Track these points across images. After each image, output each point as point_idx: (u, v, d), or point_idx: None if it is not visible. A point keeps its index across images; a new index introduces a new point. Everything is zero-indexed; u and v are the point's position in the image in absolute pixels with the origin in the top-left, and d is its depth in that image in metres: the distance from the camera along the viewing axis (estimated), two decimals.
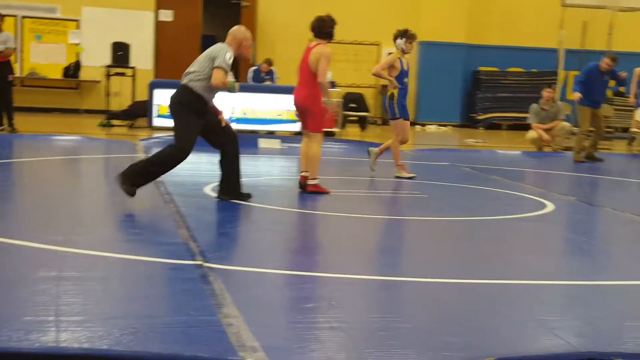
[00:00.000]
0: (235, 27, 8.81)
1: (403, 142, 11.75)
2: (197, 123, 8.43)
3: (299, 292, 5.47)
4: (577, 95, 15.32)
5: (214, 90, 8.48)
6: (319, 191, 9.71)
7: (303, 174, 9.99)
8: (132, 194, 8.22)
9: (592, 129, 15.80)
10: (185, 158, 8.33)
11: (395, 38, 11.56)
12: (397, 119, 11.53)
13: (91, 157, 13.39)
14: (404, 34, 11.51)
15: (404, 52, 11.51)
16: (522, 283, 5.98)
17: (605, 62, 15.46)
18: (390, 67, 11.45)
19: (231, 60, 8.46)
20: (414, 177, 11.60)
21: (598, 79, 15.51)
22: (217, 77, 8.33)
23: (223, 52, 8.40)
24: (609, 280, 6.22)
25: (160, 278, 5.69)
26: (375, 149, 11.96)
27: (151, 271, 5.84)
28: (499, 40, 24.88)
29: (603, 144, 18.93)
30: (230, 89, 8.53)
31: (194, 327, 4.49)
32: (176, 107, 8.43)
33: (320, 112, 9.72)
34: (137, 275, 5.73)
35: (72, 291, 5.13)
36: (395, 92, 11.44)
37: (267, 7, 23.24)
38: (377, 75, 11.67)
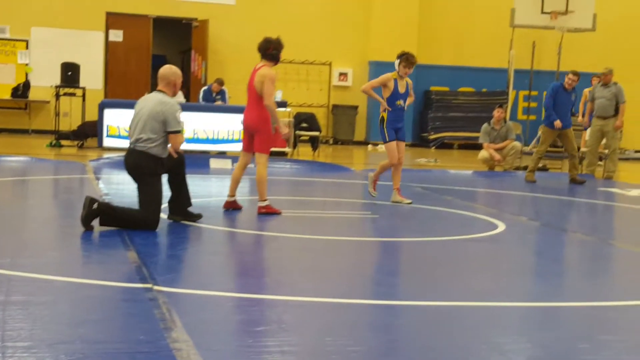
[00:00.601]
0: (165, 69, 8.62)
1: (393, 164, 11.26)
2: (161, 183, 8.43)
3: (249, 315, 5.42)
4: (558, 124, 15.44)
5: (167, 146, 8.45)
6: (270, 212, 9.66)
7: (229, 199, 9.91)
8: (89, 228, 8.08)
9: (560, 150, 16.21)
10: (155, 228, 8.27)
11: (396, 58, 11.23)
12: (387, 142, 11.21)
13: (40, 178, 13.21)
14: (400, 56, 11.21)
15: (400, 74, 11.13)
16: (474, 305, 5.97)
17: (569, 78, 15.67)
18: (384, 86, 11.11)
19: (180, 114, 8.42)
20: (375, 195, 11.47)
21: (564, 98, 15.65)
22: (179, 141, 8.40)
23: (172, 113, 8.32)
24: (561, 302, 6.22)
25: (109, 301, 5.60)
26: (371, 174, 11.72)
27: (99, 295, 5.75)
28: (449, 60, 25.07)
29: (554, 163, 19.12)
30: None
31: (143, 352, 4.42)
32: (143, 177, 8.34)
33: (269, 134, 9.66)
34: (85, 299, 5.63)
35: (18, 316, 5.04)
36: (385, 115, 11.12)
37: (218, 27, 23.20)
38: (365, 92, 11.40)
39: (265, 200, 9.69)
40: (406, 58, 11.16)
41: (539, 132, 16.53)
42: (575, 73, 15.78)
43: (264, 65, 9.85)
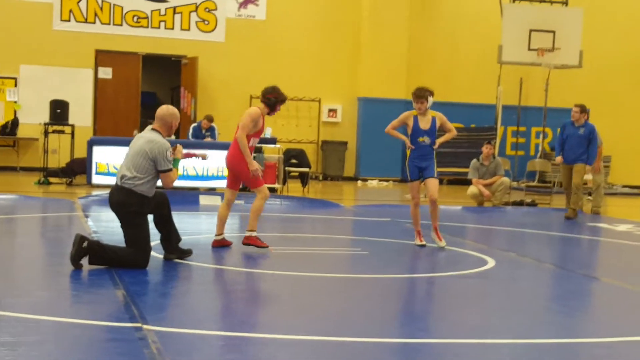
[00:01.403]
0: (163, 110, 8.69)
1: (415, 203, 11.01)
2: (148, 222, 8.42)
3: (241, 355, 5.39)
4: (559, 159, 15.76)
5: (155, 185, 8.45)
6: (256, 244, 9.60)
7: (217, 237, 9.88)
8: (78, 266, 8.04)
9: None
10: (145, 267, 8.25)
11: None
12: (409, 181, 11.07)
13: (28, 216, 13.17)
14: (413, 92, 10.96)
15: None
16: (464, 342, 5.96)
17: (573, 111, 15.74)
18: (407, 125, 10.92)
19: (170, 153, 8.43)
20: (424, 245, 10.81)
21: (571, 132, 15.74)
22: (172, 179, 8.43)
23: (162, 152, 8.35)
24: (550, 339, 6.21)
25: (98, 341, 5.56)
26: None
27: (88, 334, 5.72)
28: (438, 96, 24.61)
29: (542, 198, 19.16)
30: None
31: None
32: (129, 216, 8.32)
33: (247, 170, 9.65)
34: (74, 339, 5.60)
35: (7, 357, 5.00)
36: (408, 152, 10.98)
37: (208, 63, 23.27)
38: (388, 133, 11.19)
39: (253, 231, 9.64)
40: (413, 93, 10.92)
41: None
42: (576, 105, 15.85)
43: (257, 107, 9.91)
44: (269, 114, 9.99)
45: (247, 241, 9.64)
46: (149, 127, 8.68)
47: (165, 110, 8.68)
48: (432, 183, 10.82)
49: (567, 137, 15.80)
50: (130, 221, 8.30)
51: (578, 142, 15.67)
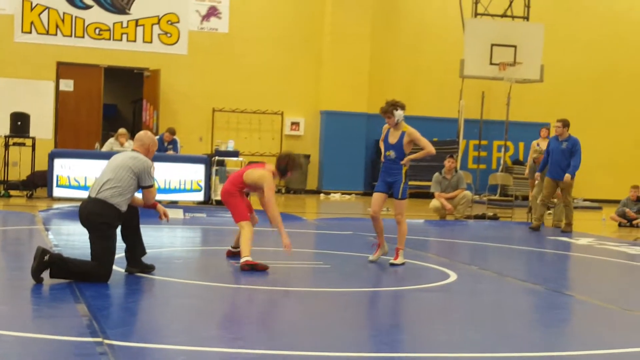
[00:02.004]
0: (142, 134, 8.90)
1: (371, 215, 10.89)
2: (116, 236, 8.46)
3: None
4: (536, 177, 16.63)
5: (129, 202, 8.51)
6: (254, 267, 9.47)
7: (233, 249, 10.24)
8: (39, 280, 7.99)
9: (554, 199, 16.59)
10: (107, 281, 8.22)
11: None
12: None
13: None
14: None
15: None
16: (426, 356, 5.98)
17: (556, 126, 16.15)
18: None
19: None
20: (373, 261, 10.69)
21: (554, 147, 15.97)
22: (153, 195, 8.63)
23: (147, 168, 8.48)
24: (514, 352, 6.23)
25: (59, 356, 5.53)
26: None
27: (50, 349, 5.68)
28: None
29: (504, 212, 19.30)
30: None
31: None
32: (98, 227, 8.30)
33: (234, 205, 9.83)
34: (35, 354, 5.56)
35: None
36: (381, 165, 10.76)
37: (170, 76, 23.23)
38: (380, 146, 10.87)
39: (246, 256, 9.54)
40: (380, 108, 10.65)
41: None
42: (558, 120, 16.13)
43: (271, 170, 9.87)
44: (280, 178, 10.03)
45: (244, 267, 9.43)
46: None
47: (144, 134, 8.91)
48: (396, 204, 10.68)
49: (551, 151, 16.03)
50: (99, 233, 8.27)
51: (561, 156, 15.88)
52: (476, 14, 23.33)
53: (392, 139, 10.51)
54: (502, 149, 24.65)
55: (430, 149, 10.46)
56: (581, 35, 26.36)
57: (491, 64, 21.78)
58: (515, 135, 24.98)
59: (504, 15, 23.75)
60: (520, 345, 6.56)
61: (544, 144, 19.75)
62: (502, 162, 24.70)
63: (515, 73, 21.79)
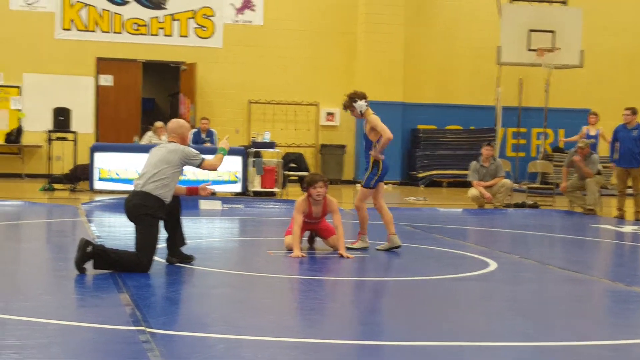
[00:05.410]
0: (173, 123, 9.05)
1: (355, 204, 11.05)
2: (159, 226, 8.61)
3: (242, 358, 5.44)
4: (611, 166, 16.45)
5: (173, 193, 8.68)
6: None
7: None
8: (83, 271, 8.13)
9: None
10: (147, 271, 8.36)
11: None
12: None
13: (33, 222, 13.24)
14: None
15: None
16: (466, 345, 5.97)
17: (625, 115, 15.99)
18: None
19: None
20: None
21: (624, 136, 15.89)
22: (211, 164, 8.90)
23: (187, 154, 8.71)
24: (554, 341, 6.18)
25: (102, 344, 5.63)
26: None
27: (93, 338, 5.79)
28: (436, 98, 25.21)
29: (544, 200, 19.17)
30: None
31: None
32: (143, 219, 8.45)
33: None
34: (78, 342, 5.66)
35: None
36: None
37: (206, 69, 23.35)
38: None
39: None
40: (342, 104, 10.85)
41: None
42: (627, 108, 15.98)
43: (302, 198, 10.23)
44: (309, 198, 10.21)
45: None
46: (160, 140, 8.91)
47: (176, 123, 9.06)
48: (359, 190, 10.91)
49: (621, 140, 15.89)
50: (143, 224, 8.41)
51: (633, 144, 15.76)
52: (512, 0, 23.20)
53: (365, 129, 10.67)
54: (542, 137, 24.53)
55: (387, 134, 10.34)
56: (620, 18, 26.05)
57: (529, 50, 21.66)
58: (554, 122, 24.80)
59: (541, 0, 23.55)
60: (562, 334, 6.49)
61: (593, 132, 19.59)
62: (541, 149, 24.56)
63: (553, 59, 21.64)
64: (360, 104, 10.50)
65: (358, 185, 10.67)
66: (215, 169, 9.07)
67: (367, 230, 10.77)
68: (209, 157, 8.88)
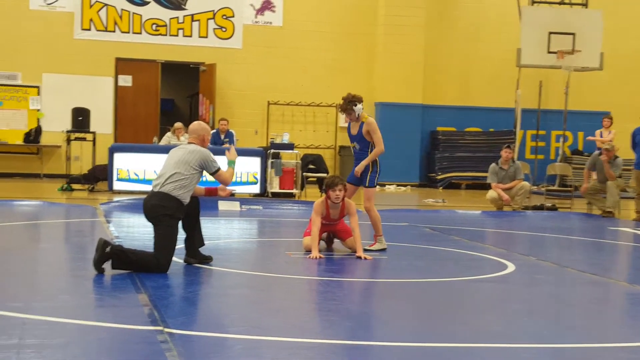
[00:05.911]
0: (195, 125, 9.06)
1: None
2: (177, 228, 8.63)
3: (260, 358, 5.44)
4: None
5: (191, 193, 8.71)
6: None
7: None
8: (101, 271, 8.16)
9: None
10: (166, 271, 8.38)
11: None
12: None
13: (52, 222, 13.30)
14: None
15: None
16: (484, 346, 5.97)
17: None
18: None
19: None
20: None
21: None
22: (225, 177, 8.85)
23: (207, 158, 8.68)
24: (572, 344, 6.18)
25: (121, 344, 5.65)
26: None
27: (111, 337, 5.80)
28: (455, 100, 25.17)
29: (563, 203, 19.10)
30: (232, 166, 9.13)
31: None
32: (162, 219, 8.48)
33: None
34: (97, 342, 5.68)
35: (32, 359, 5.09)
36: None
37: (225, 70, 23.39)
38: None
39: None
40: (339, 106, 10.95)
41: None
42: None
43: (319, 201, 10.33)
44: (327, 200, 10.26)
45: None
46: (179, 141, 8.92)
47: (197, 125, 9.08)
48: (364, 192, 10.94)
49: (639, 143, 15.86)
50: (162, 224, 8.43)
51: None
52: (533, 2, 23.11)
53: (353, 130, 10.76)
54: (561, 139, 24.40)
55: (380, 147, 10.70)
56: None
57: (549, 52, 21.57)
58: (574, 125, 24.68)
59: (561, 3, 23.47)
60: (580, 336, 6.50)
61: (606, 134, 19.52)
62: (560, 152, 24.43)
63: (574, 61, 21.54)
64: (359, 108, 10.67)
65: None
66: (227, 184, 9.02)
67: (381, 231, 10.78)
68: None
